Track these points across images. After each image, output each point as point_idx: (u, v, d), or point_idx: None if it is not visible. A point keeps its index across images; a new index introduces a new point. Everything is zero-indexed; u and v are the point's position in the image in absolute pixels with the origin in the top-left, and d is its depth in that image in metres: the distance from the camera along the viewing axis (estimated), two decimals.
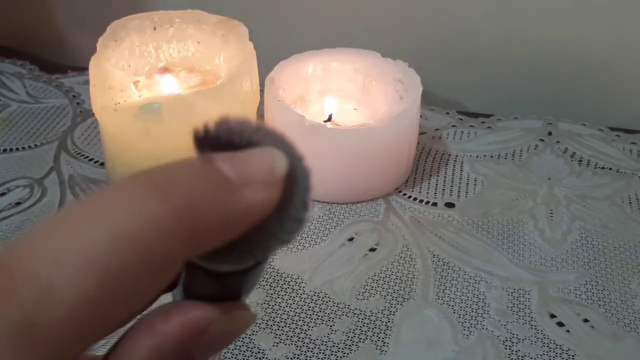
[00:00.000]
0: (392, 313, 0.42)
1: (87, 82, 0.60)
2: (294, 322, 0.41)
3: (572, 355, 0.40)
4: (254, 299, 0.42)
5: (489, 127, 0.59)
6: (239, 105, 0.47)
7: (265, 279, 0.44)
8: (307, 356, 0.39)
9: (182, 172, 0.16)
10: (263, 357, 0.39)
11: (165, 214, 0.15)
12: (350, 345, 0.40)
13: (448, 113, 0.60)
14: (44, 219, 0.15)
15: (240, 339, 0.40)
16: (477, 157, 0.55)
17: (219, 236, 0.16)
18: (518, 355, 0.40)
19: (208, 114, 0.44)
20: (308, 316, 0.42)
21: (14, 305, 0.13)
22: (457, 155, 0.55)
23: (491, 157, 0.55)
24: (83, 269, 0.14)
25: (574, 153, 0.55)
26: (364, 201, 0.50)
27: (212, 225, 0.15)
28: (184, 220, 0.15)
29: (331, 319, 0.41)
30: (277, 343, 0.40)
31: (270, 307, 0.42)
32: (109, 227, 0.14)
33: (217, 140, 0.17)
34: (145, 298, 0.16)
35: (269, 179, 0.16)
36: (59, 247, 0.14)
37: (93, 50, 0.47)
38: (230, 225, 0.16)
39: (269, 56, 0.52)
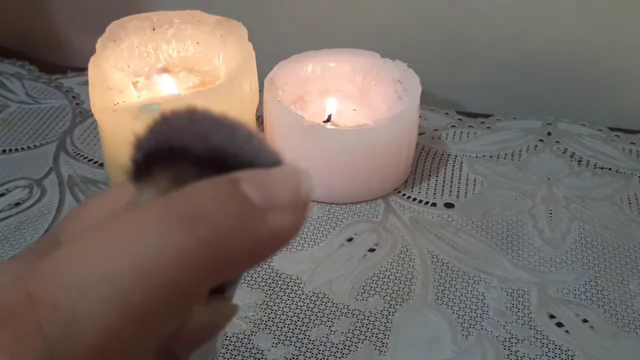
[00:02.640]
0: (391, 313, 0.42)
1: (86, 83, 0.60)
2: (293, 322, 0.41)
3: (572, 356, 0.39)
4: (253, 299, 0.43)
5: (488, 128, 0.59)
6: (238, 106, 0.47)
7: (264, 280, 0.44)
8: (306, 357, 0.39)
9: (209, 200, 0.15)
10: (262, 358, 0.39)
11: (193, 246, 0.14)
12: (349, 346, 0.40)
13: (447, 113, 0.60)
14: (68, 240, 0.15)
15: (240, 340, 0.40)
16: (476, 157, 0.55)
17: (245, 264, 0.16)
18: (517, 356, 0.39)
19: None
20: (307, 317, 0.42)
21: (38, 337, 0.13)
22: (456, 156, 0.55)
23: (490, 157, 0.55)
24: (108, 301, 0.14)
25: (574, 153, 0.55)
26: (363, 201, 0.50)
27: (239, 254, 0.15)
28: (212, 251, 0.15)
29: (330, 320, 0.41)
30: (276, 344, 0.40)
31: (269, 307, 0.42)
32: (136, 259, 0.14)
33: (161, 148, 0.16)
34: (169, 327, 0.15)
35: (295, 203, 0.16)
36: (84, 276, 0.14)
37: (92, 51, 0.47)
38: (257, 252, 0.16)
39: (268, 56, 0.52)
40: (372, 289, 0.44)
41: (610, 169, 0.54)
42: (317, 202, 0.50)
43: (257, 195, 0.15)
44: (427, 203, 0.50)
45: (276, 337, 0.40)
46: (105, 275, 0.14)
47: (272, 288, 0.43)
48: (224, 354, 0.39)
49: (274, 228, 0.15)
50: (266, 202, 0.15)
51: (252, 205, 0.15)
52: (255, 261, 0.16)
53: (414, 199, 0.51)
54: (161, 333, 0.15)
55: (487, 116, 0.60)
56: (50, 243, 0.18)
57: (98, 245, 0.14)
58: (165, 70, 0.52)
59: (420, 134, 0.57)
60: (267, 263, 0.45)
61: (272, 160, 0.16)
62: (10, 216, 0.48)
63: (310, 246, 0.46)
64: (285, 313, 0.42)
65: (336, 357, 0.39)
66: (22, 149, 0.55)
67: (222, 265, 0.15)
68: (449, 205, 0.50)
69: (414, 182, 0.52)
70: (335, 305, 0.42)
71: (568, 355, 0.40)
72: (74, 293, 0.14)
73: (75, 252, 0.14)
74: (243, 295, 0.43)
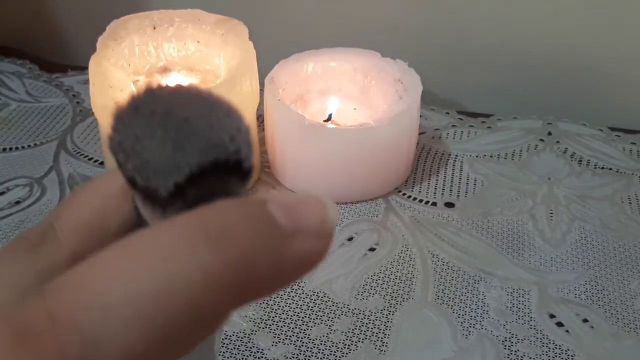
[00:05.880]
0: (391, 313, 0.42)
1: (86, 82, 0.60)
2: (293, 321, 0.41)
3: (572, 355, 0.39)
4: None
5: (488, 127, 0.58)
6: (238, 105, 0.47)
7: None
8: (306, 356, 0.39)
9: (236, 219, 0.15)
10: (262, 357, 0.39)
11: (219, 268, 0.14)
12: (349, 345, 0.40)
13: (448, 113, 0.60)
14: (91, 256, 0.14)
15: (239, 339, 0.40)
16: (477, 157, 0.55)
17: (267, 288, 0.15)
18: (517, 355, 0.39)
19: None
20: (307, 316, 0.42)
21: (57, 358, 0.13)
22: (457, 155, 0.55)
23: (491, 157, 0.55)
24: (131, 323, 0.13)
25: (574, 153, 0.55)
26: (363, 201, 0.50)
27: (264, 278, 0.15)
28: (237, 273, 0.14)
29: (330, 319, 0.41)
30: (276, 342, 0.40)
31: (270, 306, 0.42)
32: (161, 278, 0.14)
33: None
34: (190, 348, 0.15)
35: (321, 230, 0.15)
36: (107, 296, 0.13)
37: (93, 50, 0.47)
38: (280, 278, 0.15)
39: (269, 56, 0.52)
40: (373, 288, 0.44)
41: (610, 168, 0.54)
42: None
43: (285, 218, 0.15)
44: (427, 202, 0.50)
45: (276, 336, 0.40)
46: (128, 296, 0.13)
47: None
48: (223, 352, 0.39)
49: (300, 253, 0.15)
50: (293, 226, 0.15)
51: (280, 227, 0.15)
52: (276, 287, 0.15)
53: (415, 199, 0.51)
54: (182, 355, 0.15)
55: (487, 116, 0.60)
56: (45, 231, 0.18)
57: (121, 263, 0.14)
58: (165, 69, 0.52)
59: (420, 133, 0.57)
60: None
61: (247, 140, 0.16)
62: (10, 214, 0.48)
63: None
64: (285, 312, 0.42)
65: (336, 356, 0.39)
66: (23, 147, 0.55)
67: (245, 288, 0.14)
68: (449, 205, 0.50)
69: (414, 182, 0.52)
70: (335, 304, 0.42)
71: (568, 355, 0.40)
72: (96, 313, 0.13)
73: (98, 269, 0.14)
74: None
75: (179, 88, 0.16)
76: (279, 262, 0.15)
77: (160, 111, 0.16)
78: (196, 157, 0.15)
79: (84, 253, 0.17)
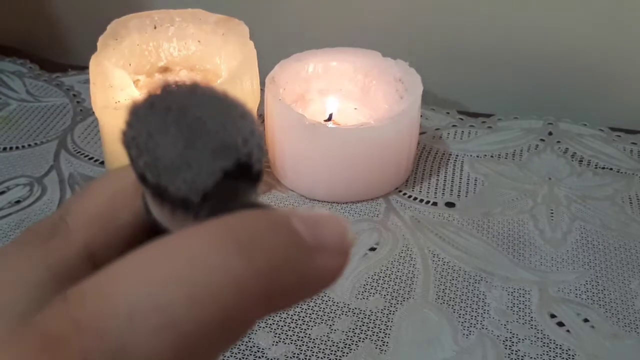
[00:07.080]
0: (392, 312, 0.42)
1: (87, 81, 0.60)
2: (294, 321, 0.41)
3: (572, 355, 0.39)
4: None
5: (489, 127, 0.58)
6: None
7: None
8: (306, 355, 0.39)
9: (265, 230, 0.15)
10: (262, 356, 0.39)
11: (248, 276, 0.14)
12: (350, 345, 0.40)
13: (448, 113, 0.60)
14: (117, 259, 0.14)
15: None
16: (477, 156, 0.55)
17: (290, 300, 0.15)
18: (518, 355, 0.39)
19: None
20: (308, 315, 0.42)
21: None
22: (457, 155, 0.55)
23: (491, 157, 0.55)
24: (159, 331, 0.13)
25: (575, 153, 0.55)
26: (364, 201, 0.50)
27: (288, 289, 0.15)
28: (264, 282, 0.14)
29: (331, 318, 0.41)
30: (277, 342, 0.40)
31: None
32: (190, 285, 0.13)
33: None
34: (216, 356, 0.15)
35: (340, 248, 0.16)
36: (134, 303, 0.13)
37: (93, 49, 0.47)
38: (303, 290, 0.15)
39: (270, 55, 0.52)
40: (373, 287, 0.44)
41: (611, 169, 0.54)
42: (318, 201, 0.50)
43: (308, 233, 0.15)
44: (428, 202, 0.50)
45: (276, 335, 0.40)
46: (156, 303, 0.13)
47: None
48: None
49: (321, 268, 0.15)
50: (316, 242, 0.15)
51: (304, 241, 0.15)
52: (297, 300, 0.16)
53: (415, 198, 0.51)
54: None
55: (488, 116, 0.60)
56: (56, 224, 0.17)
57: (148, 269, 0.14)
58: (166, 68, 0.52)
59: (421, 133, 0.57)
60: None
61: (260, 144, 0.16)
62: (10, 214, 0.48)
63: None
64: (285, 311, 0.42)
65: (337, 356, 0.39)
66: (23, 147, 0.55)
67: (270, 299, 0.15)
68: (450, 205, 0.50)
69: (415, 182, 0.52)
70: (335, 304, 0.42)
71: (569, 355, 0.40)
72: (123, 321, 0.13)
73: (124, 275, 0.14)
74: None
75: (196, 87, 0.16)
76: (302, 275, 0.15)
77: (175, 109, 0.16)
78: (208, 157, 0.15)
79: (95, 247, 0.17)
